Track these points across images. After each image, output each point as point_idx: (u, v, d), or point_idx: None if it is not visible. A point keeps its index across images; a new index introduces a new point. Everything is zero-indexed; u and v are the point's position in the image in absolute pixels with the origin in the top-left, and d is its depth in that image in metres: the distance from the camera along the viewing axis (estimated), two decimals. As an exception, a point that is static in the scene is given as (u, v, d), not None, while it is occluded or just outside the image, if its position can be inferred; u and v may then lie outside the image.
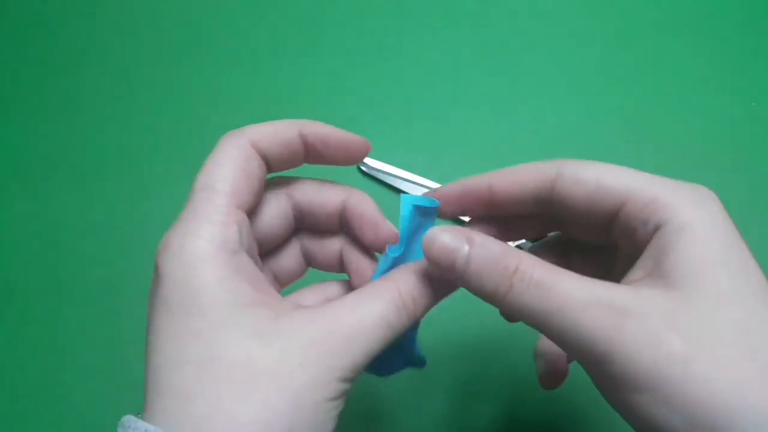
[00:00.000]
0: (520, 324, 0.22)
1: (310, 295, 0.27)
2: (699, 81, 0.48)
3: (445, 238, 0.21)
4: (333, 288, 0.27)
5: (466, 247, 0.21)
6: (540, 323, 0.20)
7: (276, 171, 0.24)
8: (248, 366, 0.19)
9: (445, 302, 0.24)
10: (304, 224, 0.26)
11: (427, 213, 0.24)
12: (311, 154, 0.25)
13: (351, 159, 0.25)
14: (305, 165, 0.25)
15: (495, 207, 0.25)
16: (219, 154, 0.23)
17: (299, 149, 0.24)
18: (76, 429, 0.37)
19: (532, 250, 0.29)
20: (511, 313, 0.21)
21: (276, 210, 0.25)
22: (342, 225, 0.26)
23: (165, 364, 0.19)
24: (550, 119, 0.46)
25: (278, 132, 0.23)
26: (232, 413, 0.18)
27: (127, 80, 0.48)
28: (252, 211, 0.23)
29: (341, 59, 0.49)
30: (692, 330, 0.19)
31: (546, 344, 0.29)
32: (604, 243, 0.25)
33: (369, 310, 0.21)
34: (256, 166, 0.23)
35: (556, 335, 0.20)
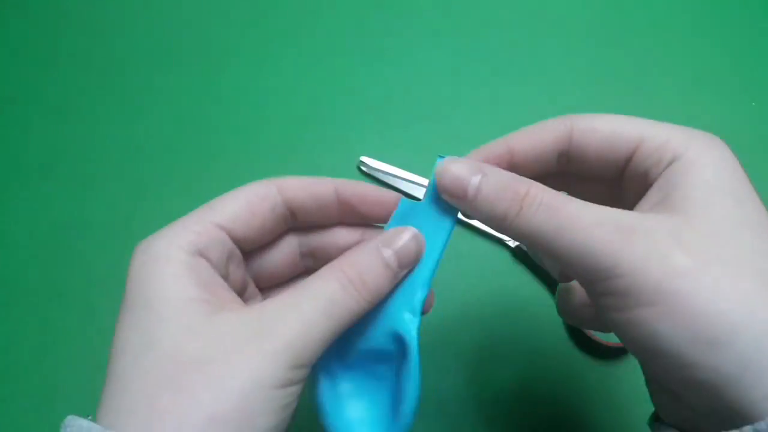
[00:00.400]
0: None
1: None
2: (699, 81, 0.48)
3: (456, 167, 0.22)
4: None
5: (478, 176, 0.22)
6: (548, 242, 0.20)
7: (305, 221, 0.26)
8: (175, 358, 0.19)
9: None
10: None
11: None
12: (346, 210, 0.26)
13: (385, 214, 0.26)
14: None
15: (516, 168, 0.25)
16: (240, 188, 0.24)
17: (332, 205, 0.25)
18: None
19: None
20: (520, 234, 0.21)
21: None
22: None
23: (112, 354, 0.20)
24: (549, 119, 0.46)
25: (311, 185, 0.25)
26: (154, 402, 0.18)
27: (127, 80, 0.48)
28: (249, 243, 0.24)
29: (341, 59, 0.49)
30: (699, 247, 0.19)
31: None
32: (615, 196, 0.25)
33: (309, 292, 0.21)
34: (267, 208, 0.24)
35: (564, 253, 0.20)
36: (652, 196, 0.22)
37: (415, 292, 0.24)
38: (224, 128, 0.45)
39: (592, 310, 0.26)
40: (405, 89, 0.47)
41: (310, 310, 0.20)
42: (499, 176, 0.22)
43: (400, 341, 0.24)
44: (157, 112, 0.47)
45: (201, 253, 0.22)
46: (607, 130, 0.24)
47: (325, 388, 0.24)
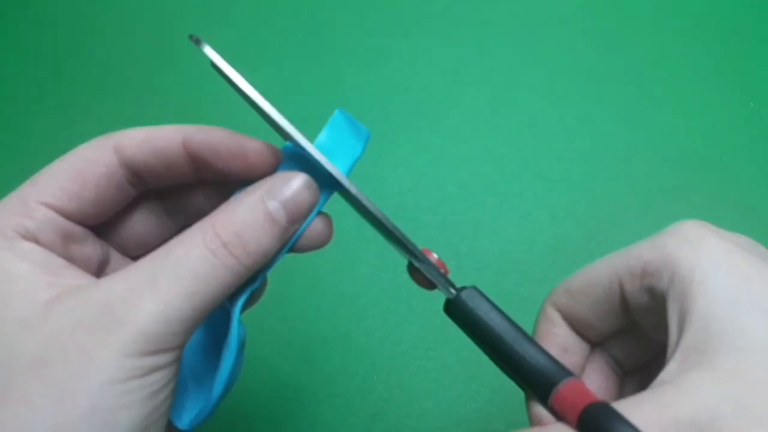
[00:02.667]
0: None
1: None
2: (697, 81, 0.48)
3: None
4: None
5: None
6: None
7: (154, 185, 0.22)
8: (10, 360, 0.16)
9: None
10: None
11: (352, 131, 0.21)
12: (200, 166, 0.21)
13: (252, 171, 0.21)
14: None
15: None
16: (70, 153, 0.20)
17: (180, 161, 0.20)
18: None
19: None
20: None
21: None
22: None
23: None
24: (549, 119, 0.46)
25: (151, 139, 0.20)
26: None
27: (127, 80, 0.48)
28: (88, 217, 0.20)
29: (341, 59, 0.49)
30: (763, 404, 0.15)
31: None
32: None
33: (170, 264, 0.17)
34: (101, 175, 0.20)
35: None
36: (672, 342, 0.18)
37: None
38: (224, 127, 0.45)
39: None
40: (405, 89, 0.47)
41: (168, 288, 0.17)
42: None
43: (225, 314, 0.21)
44: (158, 112, 0.47)
45: (28, 238, 0.19)
46: (583, 287, 0.21)
47: None
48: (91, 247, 0.21)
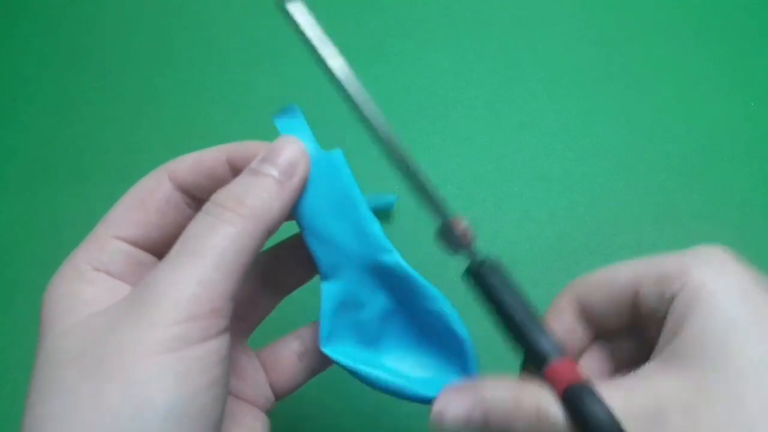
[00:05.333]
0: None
1: None
2: (697, 81, 0.48)
3: (453, 411, 0.20)
4: None
5: (478, 413, 0.20)
6: None
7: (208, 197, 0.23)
8: (53, 361, 0.18)
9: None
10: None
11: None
12: None
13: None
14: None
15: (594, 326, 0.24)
16: (132, 188, 0.23)
17: (227, 177, 0.22)
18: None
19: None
20: None
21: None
22: None
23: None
24: (549, 119, 0.46)
25: (199, 161, 0.22)
26: (40, 410, 0.17)
27: (127, 80, 0.48)
28: (153, 243, 0.22)
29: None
30: (716, 423, 0.17)
31: None
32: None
33: (182, 236, 0.19)
34: (161, 200, 0.22)
35: None
36: (661, 342, 0.20)
37: (369, 234, 0.22)
38: (224, 129, 0.45)
39: None
40: (405, 90, 0.47)
41: (182, 258, 0.18)
42: (502, 401, 0.20)
43: (393, 283, 0.22)
44: (158, 112, 0.47)
45: (99, 269, 0.21)
46: (602, 282, 0.22)
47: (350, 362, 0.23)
48: None
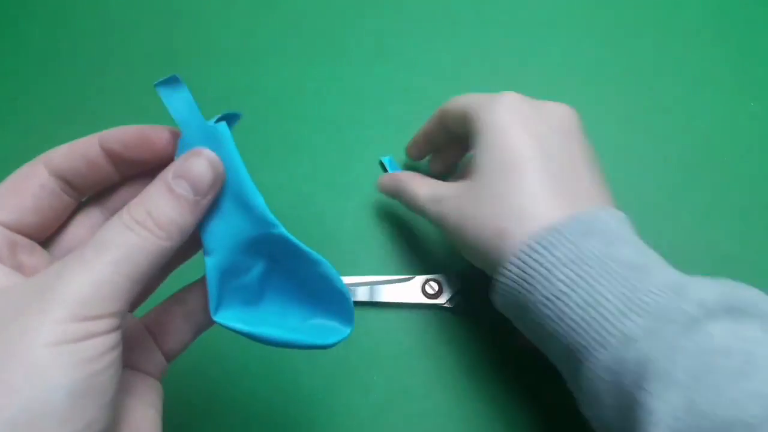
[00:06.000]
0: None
1: None
2: (698, 81, 0.48)
3: (382, 182, 0.39)
4: None
5: (393, 184, 0.38)
6: (411, 208, 0.36)
7: (88, 189, 0.24)
8: None
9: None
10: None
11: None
12: (118, 163, 0.23)
13: (161, 156, 0.23)
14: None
15: (428, 146, 0.42)
16: (9, 176, 0.23)
17: (101, 161, 0.23)
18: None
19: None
20: (404, 203, 0.37)
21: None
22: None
23: None
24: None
25: (73, 149, 0.23)
26: None
27: (127, 80, 0.48)
28: (30, 228, 0.23)
29: (341, 59, 0.49)
30: (476, 201, 0.30)
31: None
32: None
33: (95, 242, 0.20)
34: (35, 186, 0.23)
35: (417, 212, 0.35)
36: (466, 160, 0.33)
37: (254, 206, 0.23)
38: (224, 128, 0.45)
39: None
40: (405, 90, 0.47)
41: (94, 260, 0.19)
42: (392, 177, 0.38)
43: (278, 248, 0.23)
44: (158, 112, 0.47)
45: None
46: (452, 107, 0.36)
47: (235, 321, 0.24)
48: (38, 258, 0.23)
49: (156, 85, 0.22)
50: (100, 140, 0.23)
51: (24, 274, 0.22)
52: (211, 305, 0.23)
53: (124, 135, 0.23)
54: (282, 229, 0.23)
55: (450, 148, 0.40)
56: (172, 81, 0.22)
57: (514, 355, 0.37)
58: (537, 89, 0.48)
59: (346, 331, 0.25)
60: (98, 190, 0.25)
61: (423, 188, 0.34)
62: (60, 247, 0.24)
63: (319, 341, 0.24)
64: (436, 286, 0.39)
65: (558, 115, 0.33)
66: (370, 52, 0.49)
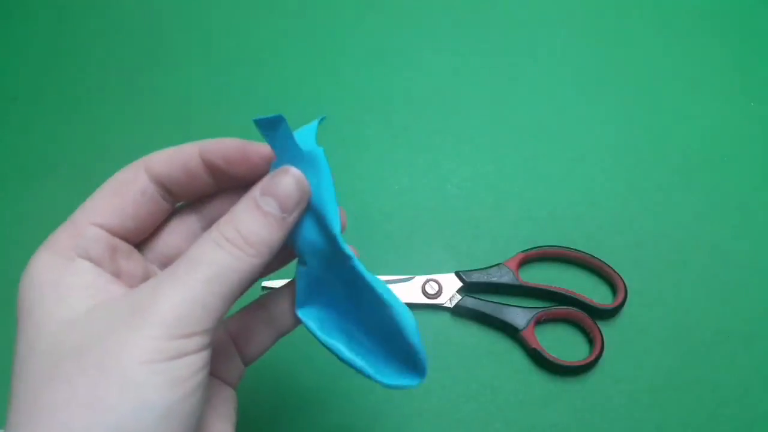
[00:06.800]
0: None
1: None
2: (697, 81, 0.48)
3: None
4: None
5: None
6: None
7: (184, 197, 0.24)
8: (52, 353, 0.19)
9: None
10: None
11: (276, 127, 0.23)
12: (216, 173, 0.24)
13: (258, 171, 0.23)
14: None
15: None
16: (109, 179, 0.23)
17: (200, 171, 0.23)
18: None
19: None
20: None
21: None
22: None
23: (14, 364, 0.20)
24: (549, 119, 0.46)
25: (174, 155, 0.23)
26: (36, 400, 0.18)
27: (127, 80, 0.48)
28: (130, 232, 0.23)
29: (341, 59, 0.49)
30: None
31: None
32: None
33: (187, 260, 0.20)
34: (137, 192, 0.23)
35: None
36: None
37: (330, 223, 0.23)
38: (224, 128, 0.45)
39: None
40: (406, 90, 0.48)
41: (186, 277, 0.19)
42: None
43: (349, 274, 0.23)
44: (158, 112, 0.47)
45: (81, 256, 0.21)
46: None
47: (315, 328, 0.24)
48: (135, 263, 0.24)
49: (256, 122, 0.22)
50: (201, 151, 0.23)
51: (121, 279, 0.22)
52: (298, 299, 0.24)
53: (226, 150, 0.23)
54: (355, 262, 0.23)
55: None
56: (275, 121, 0.22)
57: (514, 355, 0.37)
58: (537, 89, 0.48)
59: (413, 381, 0.23)
60: (195, 198, 0.25)
61: None
62: (154, 251, 0.25)
63: (381, 378, 0.23)
64: (436, 286, 0.39)
65: None
66: (370, 52, 0.49)
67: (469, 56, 0.49)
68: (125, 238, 0.23)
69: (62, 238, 0.22)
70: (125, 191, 0.23)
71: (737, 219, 0.42)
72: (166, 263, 0.25)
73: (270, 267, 0.26)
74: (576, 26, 0.50)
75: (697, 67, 0.48)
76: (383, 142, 0.45)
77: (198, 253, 0.20)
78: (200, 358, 0.19)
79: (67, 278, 0.21)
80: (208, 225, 0.25)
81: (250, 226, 0.21)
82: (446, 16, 0.51)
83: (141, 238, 0.24)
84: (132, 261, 0.23)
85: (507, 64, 0.49)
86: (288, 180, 0.22)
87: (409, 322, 0.23)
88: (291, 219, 0.22)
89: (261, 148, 0.23)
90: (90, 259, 0.22)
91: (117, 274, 0.22)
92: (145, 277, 0.24)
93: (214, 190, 0.25)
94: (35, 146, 0.45)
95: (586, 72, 0.48)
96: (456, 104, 0.47)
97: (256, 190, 0.22)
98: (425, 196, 0.43)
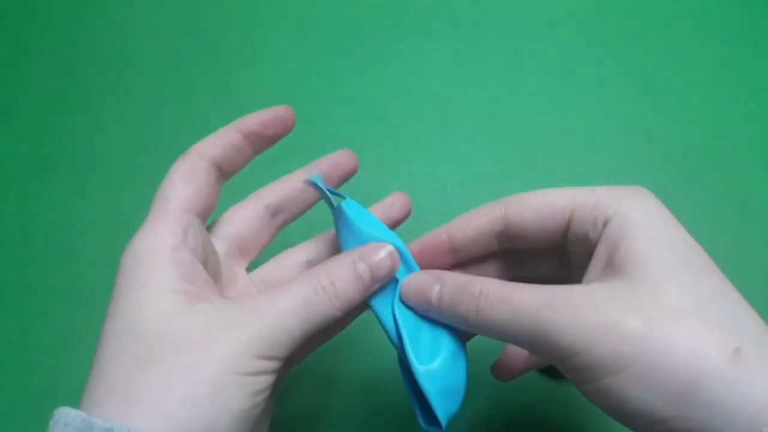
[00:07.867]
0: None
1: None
2: (697, 81, 0.48)
3: (417, 281, 0.25)
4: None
5: (438, 286, 0.25)
6: (508, 333, 0.22)
7: (233, 171, 0.28)
8: (154, 341, 0.21)
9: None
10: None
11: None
12: (256, 142, 0.27)
13: (288, 128, 0.28)
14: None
15: (458, 252, 0.28)
16: (171, 173, 0.25)
17: (244, 145, 0.27)
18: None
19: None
20: (484, 330, 0.23)
21: (248, 213, 0.29)
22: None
23: (99, 342, 0.22)
24: (549, 120, 0.46)
25: (217, 138, 0.27)
26: (132, 383, 0.20)
27: (127, 80, 0.48)
28: (206, 211, 0.26)
29: (341, 59, 0.49)
30: (645, 307, 0.20)
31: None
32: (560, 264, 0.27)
33: (286, 291, 0.23)
34: (204, 176, 0.26)
35: (524, 340, 0.22)
36: (597, 260, 0.23)
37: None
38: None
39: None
40: (406, 90, 0.48)
41: (283, 306, 0.22)
42: (455, 282, 0.24)
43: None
44: (158, 112, 0.47)
45: (179, 246, 0.23)
46: (539, 204, 0.25)
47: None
48: (212, 248, 0.27)
49: (315, 182, 0.27)
50: (238, 128, 0.27)
51: (209, 267, 0.25)
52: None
53: (261, 117, 0.27)
54: (388, 322, 0.26)
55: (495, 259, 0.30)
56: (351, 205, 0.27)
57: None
58: (537, 89, 0.48)
59: (437, 430, 0.26)
60: (238, 172, 0.28)
61: (528, 291, 0.22)
62: (233, 237, 0.28)
63: (420, 420, 0.26)
64: (436, 286, 0.39)
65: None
66: (370, 52, 0.49)
67: (468, 56, 0.49)
68: (203, 221, 0.26)
69: (162, 225, 0.23)
70: (195, 177, 0.25)
71: (737, 219, 0.42)
72: (242, 247, 0.29)
73: (329, 333, 0.30)
74: (576, 26, 0.50)
75: (697, 67, 0.48)
76: (383, 142, 0.45)
77: (297, 290, 0.23)
78: (273, 378, 0.22)
79: (172, 267, 0.22)
80: (269, 205, 0.29)
81: (343, 283, 0.24)
82: (446, 16, 0.51)
83: (208, 218, 0.27)
84: (209, 245, 0.26)
85: (507, 63, 0.49)
86: (383, 253, 0.25)
87: (433, 396, 0.25)
88: (375, 287, 0.25)
89: (287, 111, 0.28)
90: (188, 248, 0.23)
91: (205, 263, 0.24)
92: (216, 269, 0.26)
93: (251, 160, 0.28)
94: (35, 146, 0.45)
95: (586, 72, 0.48)
96: (456, 104, 0.47)
97: (355, 254, 0.25)
98: (425, 196, 0.43)
